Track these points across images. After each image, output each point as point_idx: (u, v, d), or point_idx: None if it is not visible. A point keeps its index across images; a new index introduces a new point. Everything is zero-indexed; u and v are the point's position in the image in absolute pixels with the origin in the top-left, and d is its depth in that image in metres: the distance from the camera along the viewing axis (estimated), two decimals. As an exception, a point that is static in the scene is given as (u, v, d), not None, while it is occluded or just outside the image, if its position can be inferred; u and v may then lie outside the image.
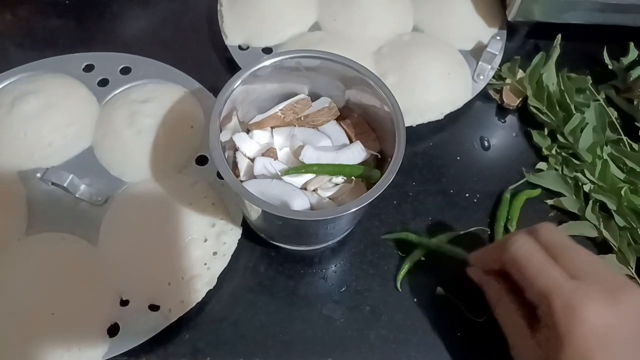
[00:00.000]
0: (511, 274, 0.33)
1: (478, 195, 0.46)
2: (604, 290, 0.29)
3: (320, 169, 0.36)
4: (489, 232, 0.44)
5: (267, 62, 0.36)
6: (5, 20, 0.53)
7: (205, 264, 0.39)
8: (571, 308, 0.29)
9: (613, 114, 0.48)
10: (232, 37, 0.50)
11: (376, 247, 0.43)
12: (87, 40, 0.52)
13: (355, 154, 0.37)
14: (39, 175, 0.42)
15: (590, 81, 0.49)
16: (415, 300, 0.41)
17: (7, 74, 0.47)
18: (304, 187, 0.37)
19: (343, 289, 0.41)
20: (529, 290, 0.32)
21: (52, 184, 0.41)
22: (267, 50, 0.50)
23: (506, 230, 0.44)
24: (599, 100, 0.48)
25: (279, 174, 0.36)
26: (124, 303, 0.38)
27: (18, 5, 0.54)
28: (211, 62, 0.51)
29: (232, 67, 0.49)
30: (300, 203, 0.35)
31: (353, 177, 0.37)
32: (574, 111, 0.47)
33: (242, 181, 0.37)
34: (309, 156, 0.37)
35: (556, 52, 0.50)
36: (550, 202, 0.45)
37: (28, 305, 0.36)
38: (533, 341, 0.31)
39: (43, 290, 0.37)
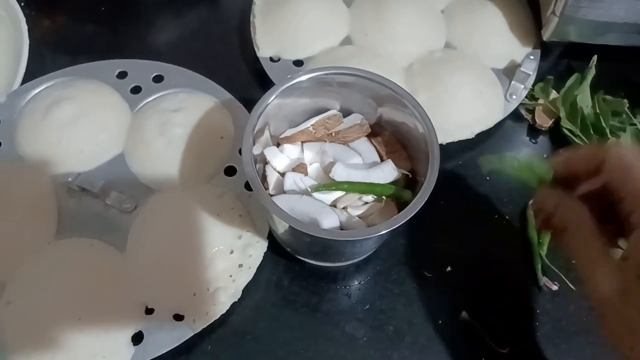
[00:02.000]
0: (609, 183, 0.28)
1: (507, 217, 0.45)
2: None
3: (351, 187, 0.36)
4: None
5: (303, 78, 0.36)
6: (43, 27, 0.54)
7: (231, 276, 0.39)
8: None
9: (650, 138, 0.47)
10: (264, 48, 0.50)
11: (401, 266, 0.42)
12: (120, 48, 0.53)
13: (387, 172, 0.37)
14: (70, 180, 0.42)
15: (627, 104, 0.48)
16: (440, 322, 0.40)
17: (43, 79, 0.48)
18: (333, 205, 0.37)
19: (367, 307, 0.41)
20: (630, 196, 0.27)
21: (83, 189, 0.42)
22: (298, 63, 0.50)
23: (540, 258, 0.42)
24: (635, 125, 0.47)
25: (309, 190, 0.36)
26: (149, 312, 0.38)
27: (55, 12, 0.55)
28: (242, 73, 0.52)
29: (263, 79, 0.49)
30: (330, 221, 0.34)
31: (384, 197, 0.37)
32: (609, 135, 0.46)
33: (271, 195, 0.37)
34: (340, 173, 0.37)
35: (591, 74, 0.49)
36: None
37: (55, 309, 0.37)
38: (614, 265, 0.27)
39: (70, 295, 0.37)
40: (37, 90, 0.47)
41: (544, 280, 0.42)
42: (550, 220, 0.30)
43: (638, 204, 0.26)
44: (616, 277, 0.26)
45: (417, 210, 0.32)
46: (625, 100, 0.48)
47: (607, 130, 0.46)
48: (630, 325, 0.25)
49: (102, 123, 0.45)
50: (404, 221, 0.32)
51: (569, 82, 0.49)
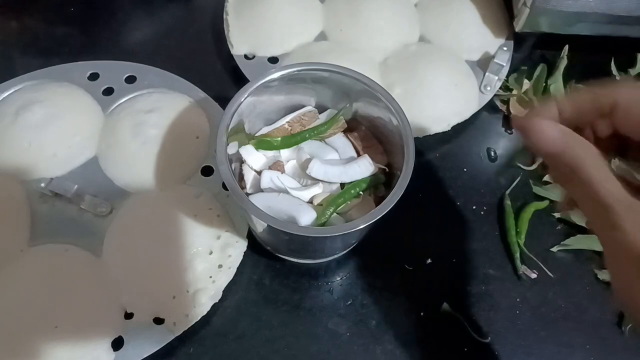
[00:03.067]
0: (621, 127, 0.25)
1: (485, 207, 0.46)
2: None
3: (333, 202, 0.36)
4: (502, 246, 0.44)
5: (275, 75, 0.36)
6: (11, 28, 0.52)
7: (211, 277, 0.39)
8: None
9: (621, 126, 0.48)
10: (238, 46, 0.50)
11: (382, 261, 0.42)
12: (92, 49, 0.52)
13: (363, 167, 0.37)
14: (43, 185, 0.41)
15: (598, 93, 0.48)
16: (422, 314, 0.40)
17: (12, 82, 0.46)
18: (310, 201, 0.36)
19: (349, 302, 0.41)
20: None
21: (56, 194, 0.41)
22: (273, 60, 0.50)
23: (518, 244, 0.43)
24: (606, 113, 0.48)
25: (288, 190, 0.35)
26: (129, 316, 0.37)
27: (23, 13, 0.54)
28: (216, 71, 0.51)
29: (238, 77, 0.49)
30: (307, 218, 0.34)
31: (361, 192, 0.37)
32: (581, 123, 0.46)
33: (248, 194, 0.37)
34: (316, 169, 0.36)
35: (563, 63, 0.50)
36: (557, 215, 0.45)
37: (31, 318, 0.36)
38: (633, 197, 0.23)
39: (46, 303, 0.37)
40: (5, 94, 0.46)
41: (522, 268, 0.42)
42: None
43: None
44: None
45: (394, 204, 0.32)
46: (597, 89, 0.49)
47: (580, 119, 0.46)
48: None
49: (74, 126, 0.44)
50: (381, 215, 0.32)
51: (536, 73, 0.49)
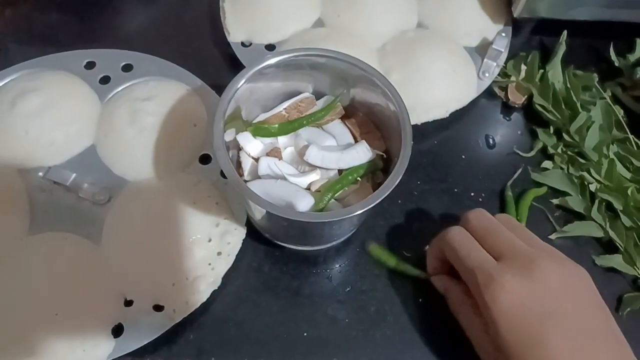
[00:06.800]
0: (452, 264, 0.37)
1: (483, 194, 0.46)
2: (519, 266, 0.33)
3: (331, 189, 0.36)
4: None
5: (272, 61, 0.36)
6: (5, 17, 0.52)
7: (210, 264, 0.39)
8: (492, 279, 0.32)
9: (619, 112, 0.48)
10: (235, 33, 0.49)
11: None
12: (88, 37, 0.52)
13: (361, 153, 0.37)
14: (40, 174, 0.42)
15: (597, 79, 0.48)
16: (420, 300, 0.41)
17: (8, 71, 0.46)
18: (308, 188, 0.36)
19: (348, 289, 0.41)
20: (463, 275, 0.35)
21: (55, 183, 0.41)
22: (270, 47, 0.49)
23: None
24: (605, 98, 0.48)
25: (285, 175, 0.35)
26: (128, 303, 0.38)
27: (18, 1, 0.53)
28: (213, 59, 0.51)
29: (235, 64, 0.48)
30: (305, 204, 0.34)
31: (358, 178, 0.37)
32: (580, 109, 0.46)
33: (246, 181, 0.37)
34: (314, 156, 0.36)
35: (562, 49, 0.50)
36: (555, 201, 0.45)
37: (31, 305, 0.36)
38: (488, 336, 0.34)
39: (46, 291, 0.37)
40: (1, 83, 0.46)
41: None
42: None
43: (468, 280, 0.35)
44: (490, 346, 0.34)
45: (391, 189, 0.32)
46: (595, 75, 0.48)
47: (578, 105, 0.46)
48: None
49: (71, 115, 0.44)
50: (378, 200, 0.32)
51: (529, 61, 0.49)
